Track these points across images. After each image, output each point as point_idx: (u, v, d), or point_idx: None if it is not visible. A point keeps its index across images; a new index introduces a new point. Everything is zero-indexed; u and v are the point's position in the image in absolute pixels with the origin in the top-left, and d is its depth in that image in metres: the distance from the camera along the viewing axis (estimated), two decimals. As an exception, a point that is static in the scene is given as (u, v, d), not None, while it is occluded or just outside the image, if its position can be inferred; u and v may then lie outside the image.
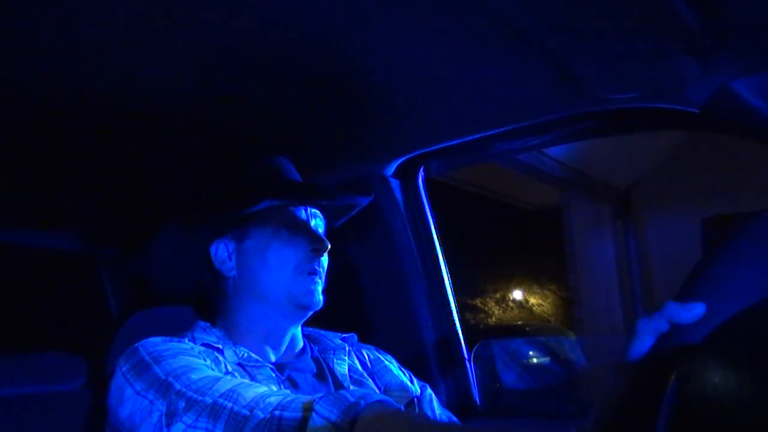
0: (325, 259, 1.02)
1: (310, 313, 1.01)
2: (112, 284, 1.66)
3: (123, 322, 1.11)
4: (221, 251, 1.01)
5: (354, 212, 1.13)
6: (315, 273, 0.99)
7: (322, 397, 0.68)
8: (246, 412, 0.71)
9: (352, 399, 0.67)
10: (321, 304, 1.00)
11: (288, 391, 0.86)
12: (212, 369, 0.85)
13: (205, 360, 0.87)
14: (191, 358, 0.85)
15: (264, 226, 1.00)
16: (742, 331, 0.39)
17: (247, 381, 0.81)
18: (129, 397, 0.81)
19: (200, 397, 0.75)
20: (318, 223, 1.05)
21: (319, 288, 1.00)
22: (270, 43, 0.87)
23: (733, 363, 0.37)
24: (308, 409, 0.67)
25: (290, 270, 0.98)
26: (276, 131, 1.20)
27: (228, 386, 0.76)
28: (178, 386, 0.78)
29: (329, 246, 1.01)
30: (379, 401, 0.67)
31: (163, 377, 0.80)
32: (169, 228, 1.03)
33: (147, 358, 0.85)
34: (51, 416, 1.25)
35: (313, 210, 1.05)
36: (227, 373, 0.88)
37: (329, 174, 1.40)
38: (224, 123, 1.15)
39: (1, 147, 1.12)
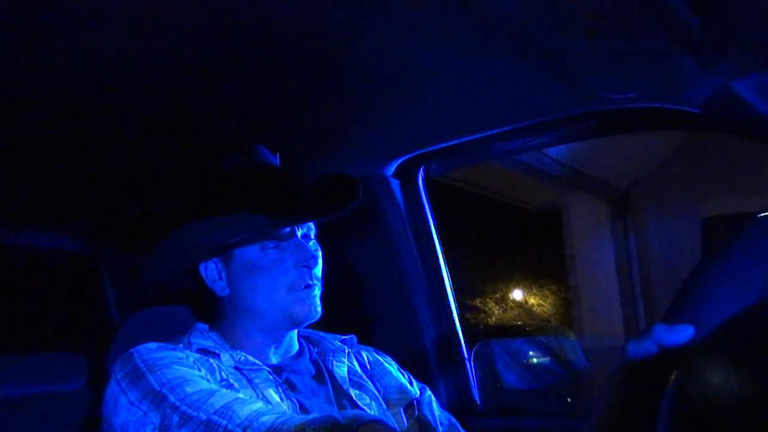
0: (318, 268, 0.98)
1: (309, 323, 0.99)
2: (113, 284, 1.66)
3: (123, 322, 1.11)
4: (211, 271, 0.98)
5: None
6: (310, 287, 0.95)
7: (314, 419, 0.69)
8: (240, 431, 0.72)
9: (343, 421, 0.67)
10: (320, 314, 0.97)
11: (285, 408, 0.86)
12: (207, 380, 0.85)
13: (199, 369, 0.87)
14: (186, 369, 0.85)
15: (249, 245, 0.95)
16: (742, 331, 0.39)
17: (242, 396, 0.81)
18: (123, 406, 0.81)
19: (194, 413, 0.76)
20: (307, 230, 1.00)
21: (317, 298, 0.97)
22: (269, 41, 0.87)
23: (733, 363, 0.37)
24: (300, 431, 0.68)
25: (283, 290, 0.94)
26: (276, 131, 1.20)
27: (223, 402, 0.76)
28: (172, 399, 0.78)
29: (319, 259, 0.97)
30: (373, 421, 0.68)
31: (158, 388, 0.80)
32: (160, 247, 0.98)
33: (142, 366, 0.84)
34: (51, 416, 1.25)
35: None
36: (223, 379, 0.88)
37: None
38: (224, 123, 1.15)
39: (2, 147, 1.12)
